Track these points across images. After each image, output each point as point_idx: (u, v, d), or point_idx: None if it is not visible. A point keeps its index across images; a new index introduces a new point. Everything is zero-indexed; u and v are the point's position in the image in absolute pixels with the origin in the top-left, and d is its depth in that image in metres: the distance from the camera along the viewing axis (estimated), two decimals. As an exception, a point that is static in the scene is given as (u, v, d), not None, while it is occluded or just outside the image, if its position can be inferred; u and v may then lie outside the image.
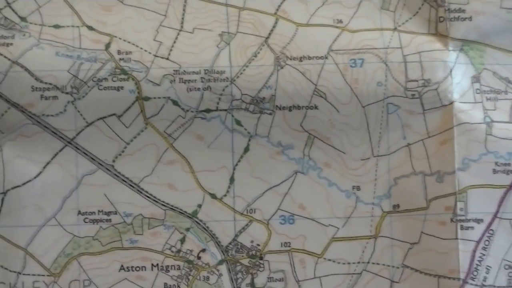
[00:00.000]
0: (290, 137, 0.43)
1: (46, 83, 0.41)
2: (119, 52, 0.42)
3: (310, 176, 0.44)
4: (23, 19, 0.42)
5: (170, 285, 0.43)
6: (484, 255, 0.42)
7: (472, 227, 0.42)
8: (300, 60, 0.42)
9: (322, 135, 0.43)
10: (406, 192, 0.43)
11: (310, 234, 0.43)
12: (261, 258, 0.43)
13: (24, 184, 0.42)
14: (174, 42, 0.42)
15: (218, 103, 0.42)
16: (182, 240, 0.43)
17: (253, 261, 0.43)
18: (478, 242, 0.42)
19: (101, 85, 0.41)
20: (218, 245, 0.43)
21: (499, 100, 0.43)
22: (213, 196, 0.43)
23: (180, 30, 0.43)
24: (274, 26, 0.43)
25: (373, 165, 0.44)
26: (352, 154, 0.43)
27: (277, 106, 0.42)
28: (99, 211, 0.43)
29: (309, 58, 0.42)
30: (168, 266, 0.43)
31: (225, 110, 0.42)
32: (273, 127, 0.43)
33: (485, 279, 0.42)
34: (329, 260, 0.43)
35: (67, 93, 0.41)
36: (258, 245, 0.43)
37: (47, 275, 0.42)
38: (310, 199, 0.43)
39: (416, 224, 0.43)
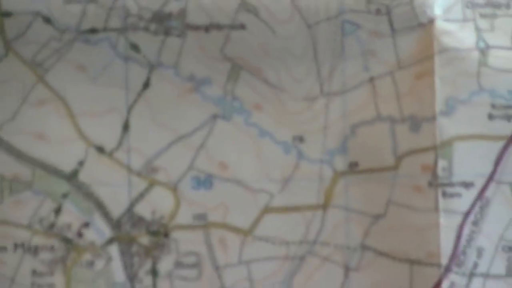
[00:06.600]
0: (206, 69, 0.39)
1: None
2: None
3: (234, 122, 0.40)
4: None
5: (41, 273, 0.38)
6: (474, 232, 0.39)
7: (459, 195, 0.38)
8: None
9: (251, 65, 0.39)
10: (367, 145, 0.40)
11: (234, 202, 0.39)
12: (166, 236, 0.39)
13: None
14: None
15: (106, 21, 0.38)
16: (57, 211, 0.39)
17: (155, 239, 0.39)
18: (466, 214, 0.38)
19: None
20: (107, 217, 0.39)
21: (499, 18, 0.39)
22: (99, 149, 0.39)
23: None
24: None
25: (323, 108, 0.40)
26: (293, 92, 0.40)
27: (188, 24, 0.38)
28: None
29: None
30: (37, 246, 0.38)
31: (116, 30, 0.38)
32: (183, 55, 0.39)
33: (475, 265, 0.38)
34: (260, 239, 0.39)
35: None
36: (162, 217, 0.39)
37: None
38: (235, 154, 0.39)
39: (381, 190, 0.39)
